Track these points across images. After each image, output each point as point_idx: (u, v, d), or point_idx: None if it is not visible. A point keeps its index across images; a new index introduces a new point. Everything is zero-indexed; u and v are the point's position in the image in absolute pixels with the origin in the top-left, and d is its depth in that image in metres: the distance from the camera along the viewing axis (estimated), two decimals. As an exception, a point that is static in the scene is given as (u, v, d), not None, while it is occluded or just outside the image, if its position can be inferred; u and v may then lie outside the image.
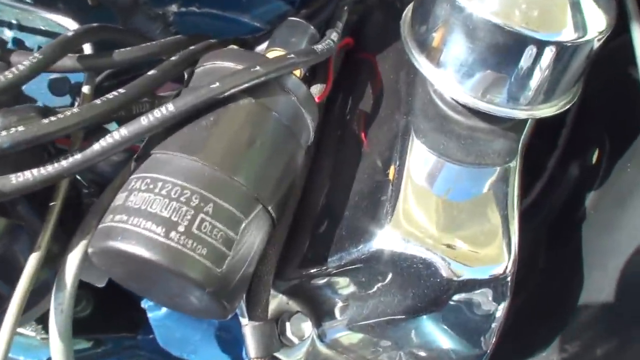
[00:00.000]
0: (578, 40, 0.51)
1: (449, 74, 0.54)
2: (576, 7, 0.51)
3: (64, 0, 0.64)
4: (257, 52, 0.60)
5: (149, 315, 0.60)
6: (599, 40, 0.52)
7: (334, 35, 0.59)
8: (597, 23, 0.53)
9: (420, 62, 0.55)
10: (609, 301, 0.66)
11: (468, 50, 0.52)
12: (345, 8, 0.64)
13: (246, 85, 0.49)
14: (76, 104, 0.62)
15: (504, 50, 0.51)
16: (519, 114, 0.54)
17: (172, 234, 0.44)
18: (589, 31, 0.52)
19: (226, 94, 0.49)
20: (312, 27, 0.59)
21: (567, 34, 0.51)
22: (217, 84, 0.48)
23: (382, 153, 0.59)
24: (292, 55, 0.52)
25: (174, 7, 0.70)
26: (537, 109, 0.54)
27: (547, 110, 0.55)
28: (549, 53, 0.51)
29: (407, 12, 0.58)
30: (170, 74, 0.52)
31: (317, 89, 0.61)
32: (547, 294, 0.74)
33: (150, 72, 0.51)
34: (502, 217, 0.55)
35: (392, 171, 0.57)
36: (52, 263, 0.54)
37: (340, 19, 0.62)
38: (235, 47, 0.55)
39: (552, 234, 0.75)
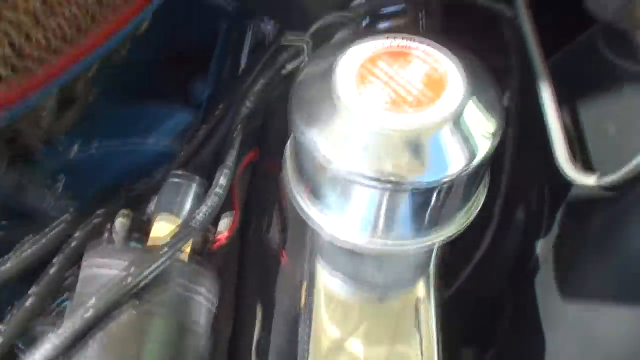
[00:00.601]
0: (465, 170, 0.44)
1: (335, 217, 0.48)
2: (455, 132, 0.44)
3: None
4: (145, 219, 0.54)
5: None
6: (490, 152, 0.46)
7: (222, 180, 0.53)
8: (486, 136, 0.46)
9: (307, 204, 0.49)
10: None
11: (348, 198, 0.46)
12: (239, 128, 0.58)
13: (123, 297, 0.45)
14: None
15: (383, 197, 0.45)
16: (420, 244, 0.48)
17: None
18: (478, 152, 0.45)
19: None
20: (196, 180, 0.53)
21: (453, 167, 0.44)
22: (91, 311, 0.44)
23: (296, 288, 0.54)
24: (166, 249, 0.47)
25: (74, 149, 0.64)
26: (439, 234, 0.48)
27: (450, 230, 0.49)
28: (434, 192, 0.45)
29: (288, 148, 0.52)
30: (54, 290, 0.48)
31: (225, 222, 0.56)
32: (516, 344, 0.69)
33: (28, 302, 0.47)
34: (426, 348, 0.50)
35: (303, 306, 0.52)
36: None
37: (232, 147, 0.56)
38: (118, 234, 0.50)
39: (514, 281, 0.70)
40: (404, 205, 0.45)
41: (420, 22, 0.65)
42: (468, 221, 0.49)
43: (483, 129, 0.46)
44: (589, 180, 0.50)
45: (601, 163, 0.56)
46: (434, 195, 0.45)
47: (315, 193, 0.48)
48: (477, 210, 0.50)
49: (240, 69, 0.68)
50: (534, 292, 0.64)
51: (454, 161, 0.44)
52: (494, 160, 0.49)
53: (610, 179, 0.48)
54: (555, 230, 0.62)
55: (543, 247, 0.65)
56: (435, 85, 0.45)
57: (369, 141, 0.43)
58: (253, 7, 0.63)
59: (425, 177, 0.43)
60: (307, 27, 0.57)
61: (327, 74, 0.46)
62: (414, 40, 0.47)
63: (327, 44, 0.52)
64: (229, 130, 0.58)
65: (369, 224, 0.47)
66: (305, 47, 0.56)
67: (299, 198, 0.49)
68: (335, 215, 0.48)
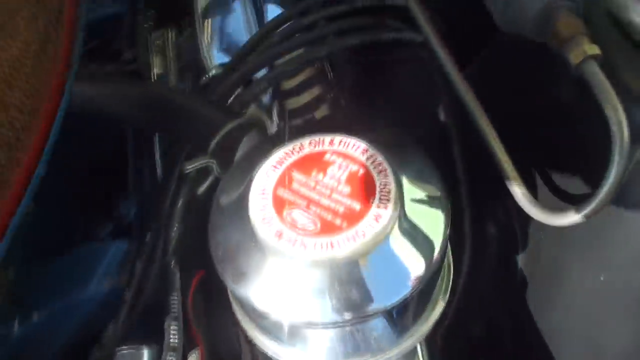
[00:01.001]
0: (429, 267, 0.37)
1: (299, 351, 0.41)
2: (402, 234, 0.37)
3: None
4: None
5: None
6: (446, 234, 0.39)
7: (173, 337, 0.47)
8: (436, 215, 0.39)
9: (265, 345, 0.43)
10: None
11: (305, 338, 0.40)
12: (174, 262, 0.50)
13: None
14: None
15: (345, 330, 0.38)
16: (401, 348, 0.42)
17: None
18: (435, 239, 0.38)
19: None
20: (144, 349, 0.46)
21: (414, 271, 0.37)
22: None
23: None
24: None
25: (14, 325, 0.57)
26: (420, 331, 0.42)
27: (432, 320, 0.42)
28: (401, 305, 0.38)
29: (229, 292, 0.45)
30: None
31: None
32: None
33: None
34: None
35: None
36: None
37: (173, 289, 0.49)
38: None
39: (505, 302, 0.64)
40: (373, 327, 0.38)
41: (328, 74, 0.57)
42: (439, 313, 0.42)
43: (431, 210, 0.39)
44: (556, 220, 0.43)
45: (562, 175, 0.49)
46: (403, 307, 0.38)
47: (270, 334, 0.41)
48: (449, 290, 0.43)
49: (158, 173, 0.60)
50: (528, 309, 0.58)
51: (414, 265, 0.37)
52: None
53: (578, 217, 0.41)
54: (532, 241, 0.55)
55: (525, 260, 0.58)
56: (361, 190, 0.38)
57: (308, 283, 0.36)
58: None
59: (385, 299, 0.36)
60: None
61: (242, 213, 0.38)
62: (324, 140, 0.40)
63: (234, 167, 0.44)
64: (165, 264, 0.50)
65: (337, 352, 0.40)
66: (213, 166, 0.48)
67: (256, 339, 0.42)
68: (299, 350, 0.41)
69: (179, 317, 0.46)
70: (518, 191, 0.45)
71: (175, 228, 0.51)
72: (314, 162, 0.39)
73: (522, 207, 0.45)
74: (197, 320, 0.51)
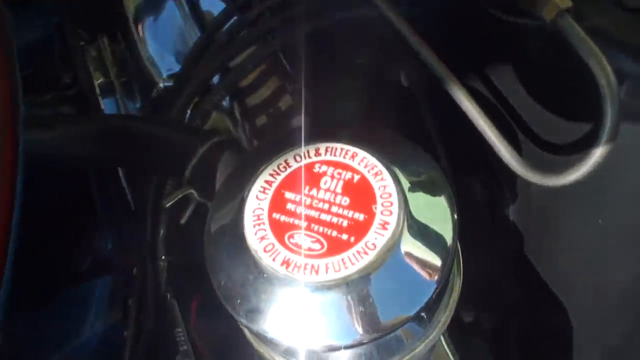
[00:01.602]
0: (445, 266, 0.35)
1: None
2: (413, 236, 0.35)
3: None
4: None
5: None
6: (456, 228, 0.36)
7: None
8: (445, 209, 0.36)
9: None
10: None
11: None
12: (169, 296, 0.47)
13: None
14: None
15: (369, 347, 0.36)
16: (425, 343, 0.40)
17: None
18: (447, 237, 0.36)
19: None
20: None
21: (433, 273, 0.34)
22: None
23: None
24: None
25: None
26: (442, 324, 0.40)
27: (449, 313, 0.40)
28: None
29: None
30: None
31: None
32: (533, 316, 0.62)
33: None
34: None
35: None
36: None
37: (177, 327, 0.45)
38: None
39: (504, 259, 0.62)
40: (395, 337, 0.36)
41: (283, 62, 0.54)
42: (460, 281, 0.40)
43: (434, 199, 0.36)
44: (549, 180, 0.41)
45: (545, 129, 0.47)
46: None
47: (289, 356, 0.38)
48: (462, 267, 0.41)
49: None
50: (526, 258, 0.56)
51: (431, 263, 0.34)
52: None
53: (574, 177, 0.39)
54: (521, 193, 0.54)
55: (515, 213, 0.57)
56: (361, 198, 0.35)
57: (325, 307, 0.33)
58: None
59: (410, 307, 0.34)
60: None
61: (239, 243, 0.35)
62: (309, 152, 0.36)
63: (219, 194, 0.41)
64: (162, 297, 0.47)
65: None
66: (192, 193, 0.44)
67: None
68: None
69: (189, 352, 0.43)
70: (516, 164, 0.42)
71: (162, 259, 0.48)
72: (304, 177, 0.36)
73: (524, 176, 0.43)
74: (202, 337, 0.49)
